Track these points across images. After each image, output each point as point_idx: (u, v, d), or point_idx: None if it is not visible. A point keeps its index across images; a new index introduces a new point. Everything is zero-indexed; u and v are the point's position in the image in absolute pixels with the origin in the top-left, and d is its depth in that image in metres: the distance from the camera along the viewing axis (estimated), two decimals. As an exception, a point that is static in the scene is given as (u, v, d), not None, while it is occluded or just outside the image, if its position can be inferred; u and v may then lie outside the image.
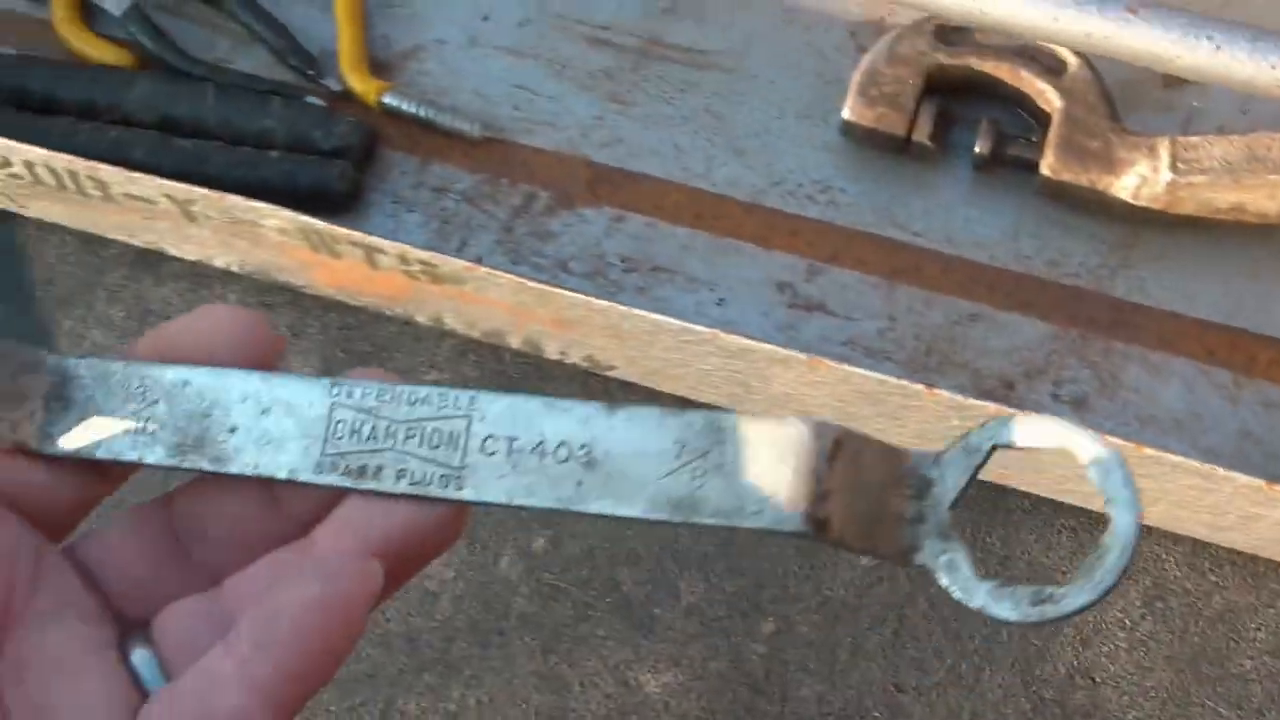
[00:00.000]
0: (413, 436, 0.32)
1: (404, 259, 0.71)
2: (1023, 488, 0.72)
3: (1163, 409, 0.73)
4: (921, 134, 0.74)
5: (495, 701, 0.72)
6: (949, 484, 0.31)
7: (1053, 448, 0.30)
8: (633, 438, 0.31)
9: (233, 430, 0.33)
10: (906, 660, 0.71)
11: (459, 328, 0.78)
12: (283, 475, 0.32)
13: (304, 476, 0.32)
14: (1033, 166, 0.74)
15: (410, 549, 0.32)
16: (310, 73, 0.77)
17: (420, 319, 0.78)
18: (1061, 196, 0.74)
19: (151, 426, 0.33)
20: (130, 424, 0.33)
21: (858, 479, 0.30)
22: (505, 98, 0.79)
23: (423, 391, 0.32)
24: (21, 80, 0.73)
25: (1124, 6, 0.66)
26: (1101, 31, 0.65)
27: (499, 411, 0.32)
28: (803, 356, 0.67)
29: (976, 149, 0.74)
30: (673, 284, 0.74)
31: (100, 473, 0.33)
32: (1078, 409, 0.73)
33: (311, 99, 0.76)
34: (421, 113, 0.76)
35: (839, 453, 0.30)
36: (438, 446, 0.32)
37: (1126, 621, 0.70)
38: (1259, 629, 0.69)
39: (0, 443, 0.33)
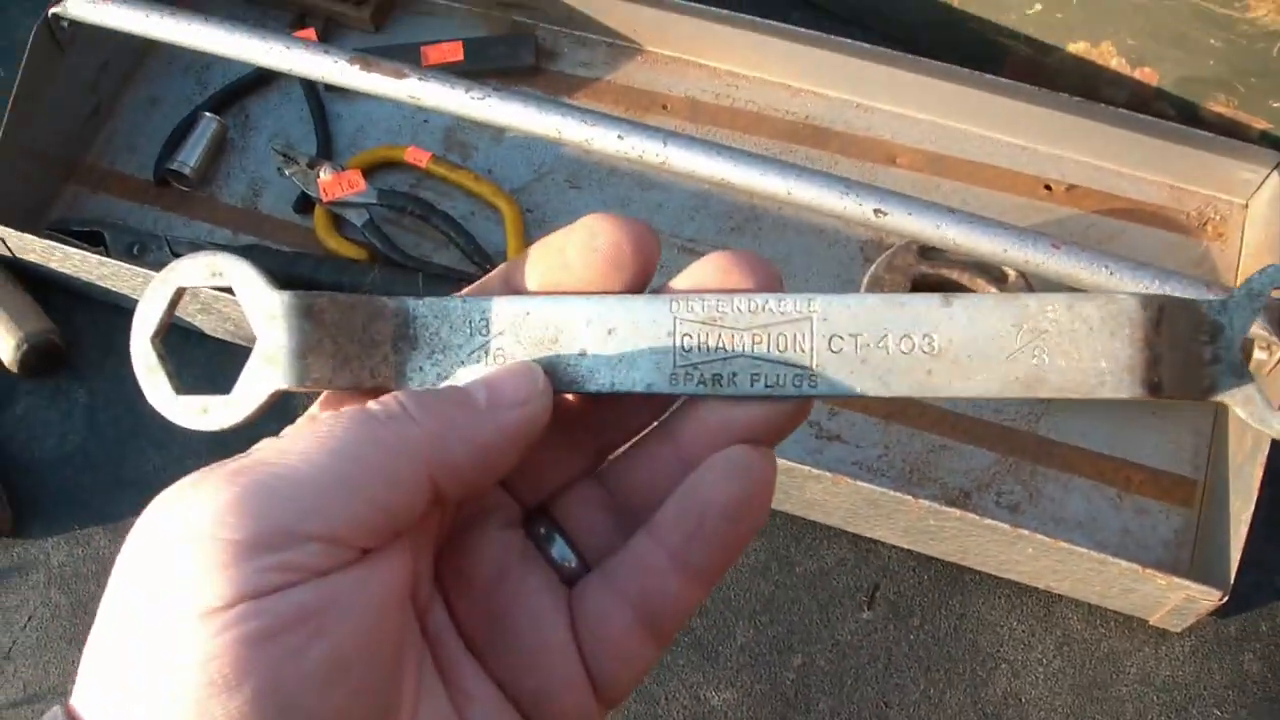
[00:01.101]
0: (760, 342, 0.31)
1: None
2: (976, 566, 0.88)
3: (1069, 514, 0.89)
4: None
5: (605, 709, 0.91)
6: (1237, 327, 0.31)
7: None
8: (971, 324, 0.30)
9: (582, 354, 0.32)
10: (892, 685, 0.87)
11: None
12: (640, 389, 0.32)
13: (661, 389, 0.32)
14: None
15: (768, 436, 0.32)
16: (488, 266, 0.92)
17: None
18: None
19: (500, 359, 0.33)
20: (479, 358, 0.33)
21: (1175, 335, 0.30)
22: (621, 287, 1.00)
23: (760, 299, 0.32)
24: (293, 268, 0.92)
25: (1049, 244, 0.84)
26: (1035, 260, 0.83)
27: (839, 312, 0.31)
28: (829, 475, 0.81)
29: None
30: (735, 419, 0.95)
31: None
32: (1012, 513, 0.89)
33: (488, 285, 0.97)
34: (563, 296, 0.97)
35: (1162, 318, 0.30)
36: (785, 350, 0.31)
37: (1044, 660, 0.87)
38: (1131, 666, 0.87)
39: (363, 386, 0.33)
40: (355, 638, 0.28)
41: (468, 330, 0.33)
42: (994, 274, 0.93)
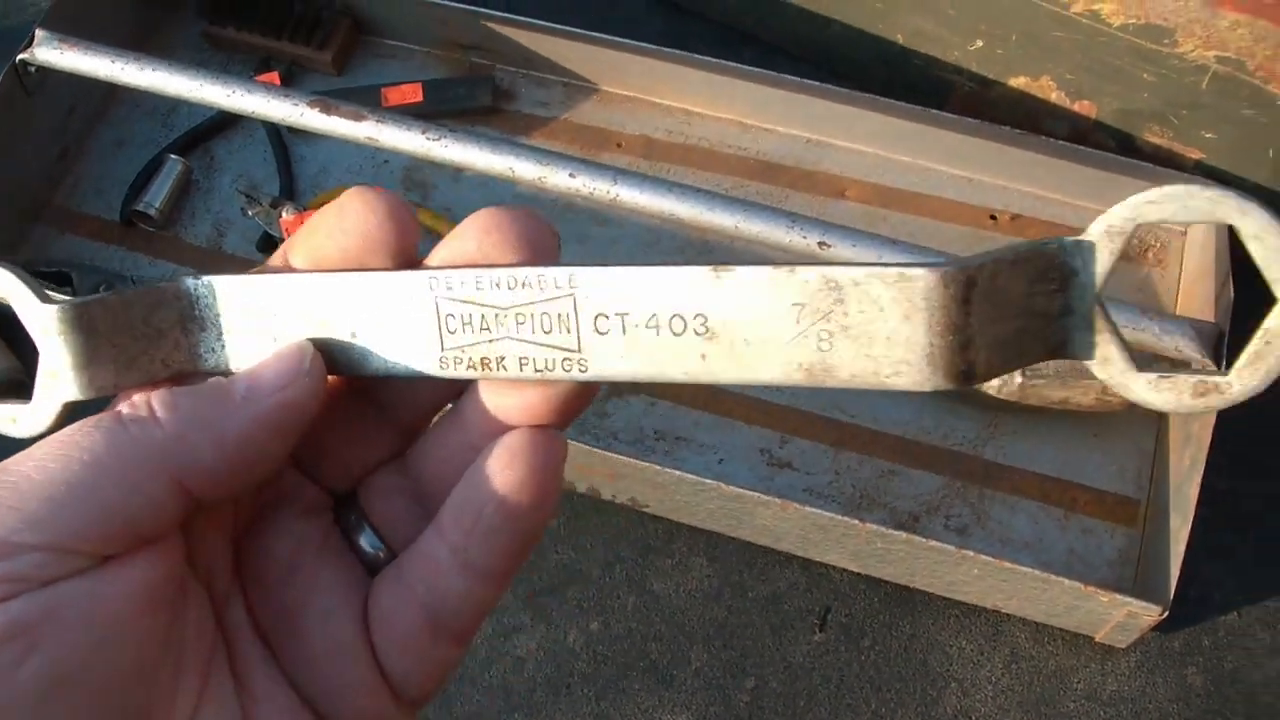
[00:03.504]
0: (523, 322, 0.29)
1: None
2: (925, 588, 0.90)
3: (1017, 535, 0.92)
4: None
5: (564, 734, 0.89)
6: (1093, 271, 0.26)
7: (1203, 221, 0.25)
8: (747, 304, 0.27)
9: (353, 335, 0.30)
10: (844, 705, 0.89)
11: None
12: (411, 374, 0.30)
13: (432, 373, 0.30)
14: (930, 371, 0.98)
15: (550, 420, 0.30)
16: None
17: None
18: (949, 394, 0.87)
19: (280, 337, 0.31)
20: (261, 338, 0.31)
21: (997, 306, 0.26)
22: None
23: (521, 274, 0.29)
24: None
25: None
26: None
27: (604, 287, 0.28)
28: (778, 501, 0.84)
29: (892, 359, 0.98)
30: (688, 448, 0.94)
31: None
32: (960, 535, 0.91)
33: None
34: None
35: (972, 293, 0.26)
36: (550, 330, 0.28)
37: (993, 678, 0.89)
38: (1078, 682, 0.89)
39: (158, 378, 0.31)
40: (83, 648, 0.27)
41: (243, 310, 0.32)
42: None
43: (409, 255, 0.31)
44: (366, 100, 1.04)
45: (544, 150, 0.90)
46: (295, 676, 0.31)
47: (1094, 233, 0.27)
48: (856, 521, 0.84)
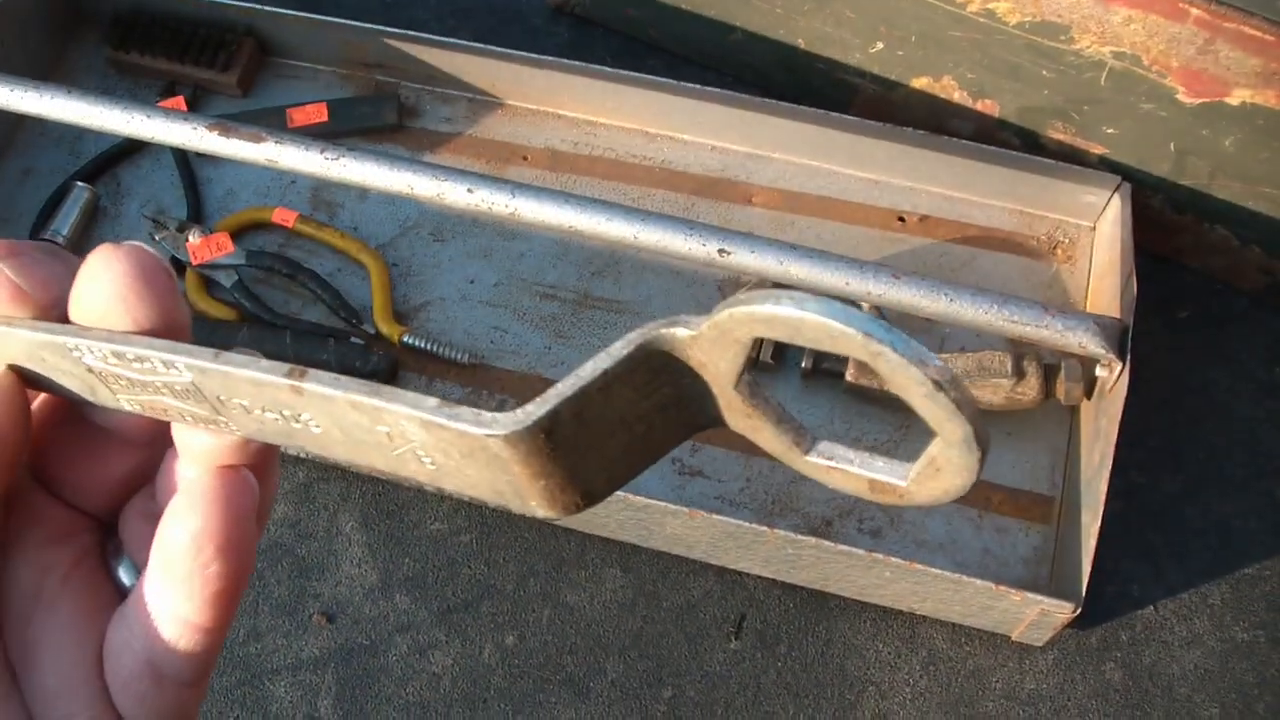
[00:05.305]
0: (162, 388, 0.28)
1: (417, 447, 0.93)
2: (839, 592, 0.90)
3: (931, 536, 0.92)
4: (765, 355, 0.95)
5: (482, 750, 0.89)
6: (723, 368, 0.25)
7: (828, 350, 0.23)
8: (334, 419, 0.27)
9: (38, 368, 0.30)
10: (762, 713, 0.89)
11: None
12: (114, 408, 0.30)
13: (114, 406, 0.30)
14: (840, 375, 0.93)
15: (238, 461, 0.29)
16: (354, 321, 0.96)
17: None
18: (860, 395, 0.94)
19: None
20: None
21: (598, 429, 0.26)
22: (485, 335, 0.97)
23: (139, 351, 0.28)
24: (160, 332, 0.96)
25: (890, 275, 0.86)
26: (876, 291, 0.85)
27: (212, 379, 0.27)
28: (686, 509, 0.84)
29: (803, 364, 0.94)
30: (600, 459, 0.97)
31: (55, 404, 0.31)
32: (874, 538, 0.91)
33: (355, 339, 0.95)
34: (429, 347, 0.95)
35: (553, 439, 0.25)
36: (188, 399, 0.28)
37: (911, 680, 0.89)
38: (997, 681, 0.89)
39: None
40: None
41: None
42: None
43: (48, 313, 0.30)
44: (272, 122, 1.04)
45: (441, 166, 0.90)
46: (32, 709, 0.30)
47: (711, 331, 0.24)
48: (765, 528, 0.84)
